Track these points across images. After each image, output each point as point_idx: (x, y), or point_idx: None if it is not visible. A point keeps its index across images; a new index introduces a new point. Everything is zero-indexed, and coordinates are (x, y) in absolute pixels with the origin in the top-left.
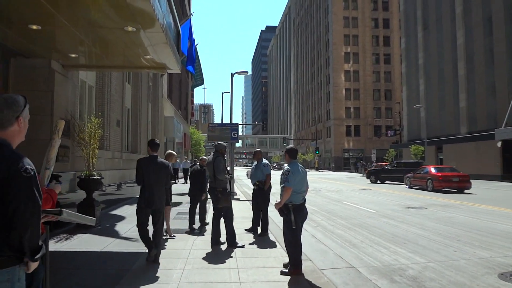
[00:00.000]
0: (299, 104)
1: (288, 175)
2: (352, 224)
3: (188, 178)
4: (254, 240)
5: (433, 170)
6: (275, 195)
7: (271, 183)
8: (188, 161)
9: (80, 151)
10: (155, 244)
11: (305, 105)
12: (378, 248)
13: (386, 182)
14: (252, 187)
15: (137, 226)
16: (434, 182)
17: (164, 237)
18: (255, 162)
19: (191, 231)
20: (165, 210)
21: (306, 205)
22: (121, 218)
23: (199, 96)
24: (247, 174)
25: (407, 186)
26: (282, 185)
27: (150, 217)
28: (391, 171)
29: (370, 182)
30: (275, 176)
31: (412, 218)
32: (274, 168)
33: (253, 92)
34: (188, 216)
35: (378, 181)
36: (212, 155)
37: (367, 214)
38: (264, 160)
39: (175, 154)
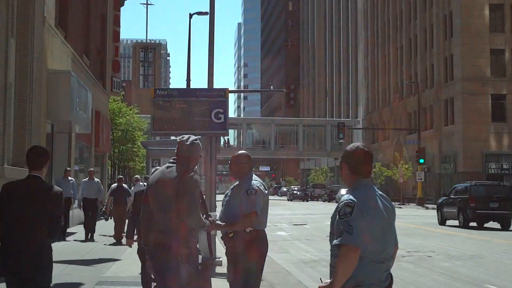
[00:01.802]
0: (378, 49)
1: (351, 218)
2: None
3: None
4: None
5: None
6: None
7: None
8: (96, 179)
9: None
10: None
11: (390, 50)
12: None
13: None
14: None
15: None
16: None
17: None
18: (234, 183)
19: None
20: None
21: None
22: None
23: (135, 24)
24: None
25: None
26: (336, 242)
27: None
28: None
29: None
30: (303, 215)
31: None
32: (301, 195)
33: (266, 23)
34: None
35: None
36: (166, 166)
37: None
38: (255, 180)
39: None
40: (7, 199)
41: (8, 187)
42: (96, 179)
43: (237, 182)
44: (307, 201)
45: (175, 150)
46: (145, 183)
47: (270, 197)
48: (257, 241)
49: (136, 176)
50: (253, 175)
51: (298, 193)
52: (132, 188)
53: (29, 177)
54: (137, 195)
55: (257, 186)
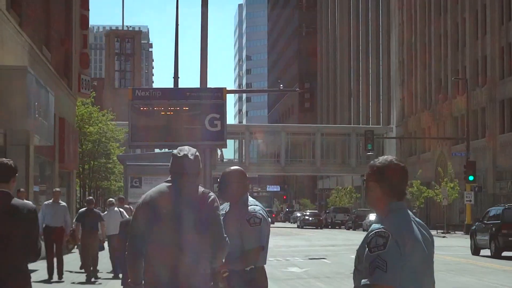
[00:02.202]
0: (416, 37)
1: (385, 251)
2: None
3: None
4: None
5: None
6: None
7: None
8: (63, 203)
9: None
10: None
11: (432, 37)
12: None
13: None
14: None
15: None
16: None
17: None
18: (226, 206)
19: None
20: None
21: None
22: None
23: (109, 7)
24: None
25: None
26: (366, 281)
27: None
28: None
29: None
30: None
31: None
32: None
33: (275, 4)
34: None
35: None
36: (166, 186)
37: None
38: (255, 205)
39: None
40: None
41: None
42: (62, 203)
43: (227, 208)
44: (321, 228)
45: (171, 167)
46: (120, 208)
47: (281, 225)
48: (258, 281)
49: (110, 199)
50: (249, 197)
51: (310, 218)
52: (105, 212)
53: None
54: (123, 225)
55: (260, 214)
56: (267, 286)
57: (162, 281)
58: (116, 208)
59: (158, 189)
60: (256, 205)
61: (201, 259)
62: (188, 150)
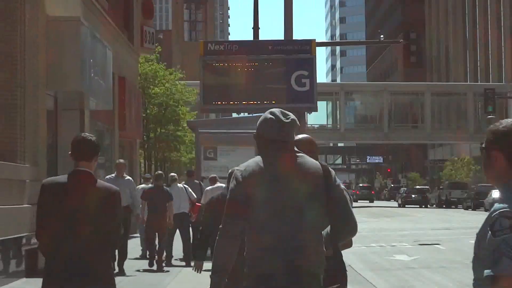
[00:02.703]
0: None
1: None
2: None
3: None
4: None
5: None
6: None
7: None
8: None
9: None
10: None
11: None
12: None
13: None
14: None
15: None
16: None
17: None
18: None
19: None
20: None
21: None
22: None
23: None
24: None
25: None
26: (489, 272)
27: None
28: None
29: None
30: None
31: None
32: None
33: None
34: None
35: None
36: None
37: None
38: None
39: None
40: (51, 203)
41: (49, 186)
42: (127, 177)
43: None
44: (426, 207)
45: (270, 134)
46: (185, 185)
47: (383, 203)
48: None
49: (172, 174)
50: None
51: (412, 195)
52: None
53: (77, 172)
54: (214, 202)
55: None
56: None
57: (275, 266)
58: (179, 185)
59: (255, 163)
60: None
61: (320, 241)
62: (292, 115)
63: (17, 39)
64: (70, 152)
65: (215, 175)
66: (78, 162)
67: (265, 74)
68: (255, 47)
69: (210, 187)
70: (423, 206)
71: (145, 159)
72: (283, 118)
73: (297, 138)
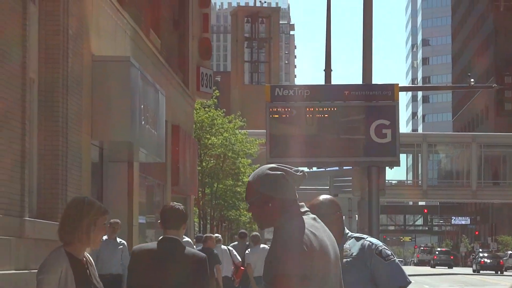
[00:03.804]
0: None
1: None
2: None
3: None
4: None
5: None
6: None
7: None
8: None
9: None
10: None
11: None
12: None
13: None
14: None
15: None
16: None
17: None
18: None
19: None
20: None
21: None
22: None
23: None
24: None
25: None
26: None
27: None
28: None
29: None
30: None
31: None
32: None
33: None
34: None
35: None
36: (312, 218)
37: None
38: (357, 235)
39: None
40: (138, 269)
41: (140, 253)
42: (186, 238)
43: (353, 250)
44: (501, 273)
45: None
46: (228, 247)
47: (461, 270)
48: None
49: (217, 235)
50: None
51: (487, 260)
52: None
53: (166, 240)
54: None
55: (383, 247)
56: None
57: None
58: (223, 246)
59: (311, 225)
60: (366, 236)
61: None
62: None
63: (59, 81)
64: (159, 221)
65: (257, 233)
66: (167, 230)
67: (340, 123)
68: (329, 92)
69: (251, 249)
70: (498, 272)
71: (200, 218)
72: (295, 172)
73: (318, 199)
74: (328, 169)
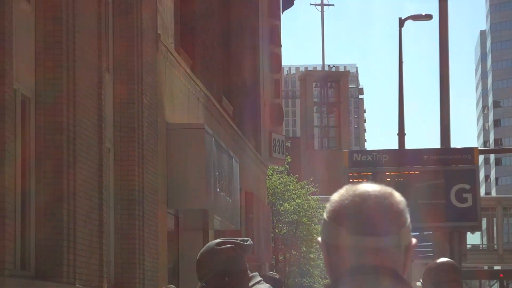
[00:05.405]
0: None
1: None
2: None
3: None
4: None
5: None
6: None
7: None
8: None
9: None
10: None
11: None
12: None
13: None
14: None
15: None
16: None
17: None
18: None
19: None
20: None
21: None
22: None
23: (300, 41)
24: None
25: None
26: None
27: None
28: None
29: None
30: None
31: None
32: None
33: None
34: None
35: None
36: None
37: None
38: None
39: None
40: None
41: None
42: None
43: None
44: None
45: None
46: None
47: None
48: None
49: None
50: None
51: None
52: None
53: None
54: None
55: None
56: None
57: None
58: None
59: None
60: None
61: None
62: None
63: (134, 149)
64: None
65: None
66: None
67: (419, 188)
68: (407, 156)
69: None
70: None
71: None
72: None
73: (437, 262)
74: None
